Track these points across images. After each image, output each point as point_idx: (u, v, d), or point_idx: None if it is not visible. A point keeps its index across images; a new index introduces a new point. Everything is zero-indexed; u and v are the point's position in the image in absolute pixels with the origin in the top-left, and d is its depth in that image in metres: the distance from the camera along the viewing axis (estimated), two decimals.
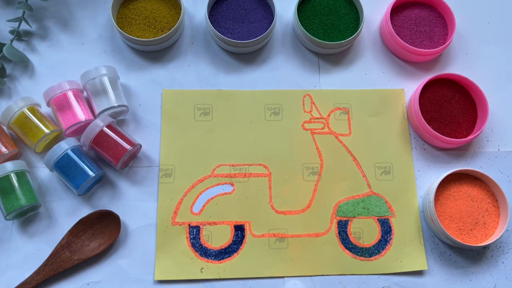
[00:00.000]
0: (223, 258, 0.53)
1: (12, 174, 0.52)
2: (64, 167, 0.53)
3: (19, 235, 0.54)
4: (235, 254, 0.53)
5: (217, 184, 0.56)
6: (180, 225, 0.54)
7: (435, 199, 0.55)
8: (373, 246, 0.54)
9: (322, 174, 0.57)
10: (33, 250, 0.53)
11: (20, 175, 0.53)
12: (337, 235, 0.55)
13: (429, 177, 0.58)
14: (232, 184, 0.56)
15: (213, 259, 0.53)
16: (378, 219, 0.55)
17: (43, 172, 0.56)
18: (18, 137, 0.56)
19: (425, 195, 0.57)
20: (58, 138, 0.57)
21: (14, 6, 0.63)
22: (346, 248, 0.54)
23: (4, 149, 0.54)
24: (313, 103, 0.60)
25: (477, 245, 0.53)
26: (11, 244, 0.53)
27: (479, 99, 0.59)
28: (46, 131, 0.54)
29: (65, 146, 0.53)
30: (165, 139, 0.57)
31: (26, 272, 0.52)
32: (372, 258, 0.54)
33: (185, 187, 0.55)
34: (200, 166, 0.56)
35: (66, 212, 0.55)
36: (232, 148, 0.57)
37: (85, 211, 0.54)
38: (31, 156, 0.57)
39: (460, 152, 0.60)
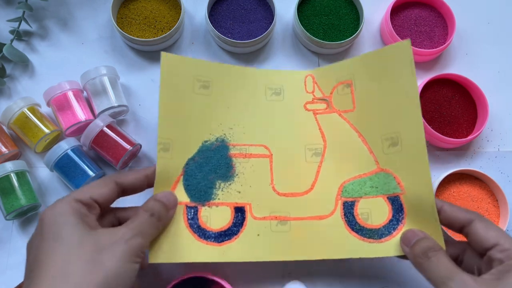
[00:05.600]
0: (223, 241, 0.49)
1: (12, 174, 0.52)
2: (64, 167, 0.53)
3: (19, 235, 0.54)
4: (235, 236, 0.50)
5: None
6: (177, 204, 0.49)
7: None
8: (383, 227, 0.49)
9: (325, 155, 0.54)
10: None
11: (20, 175, 0.53)
12: (343, 216, 0.51)
13: None
14: (232, 164, 0.52)
15: (213, 241, 0.49)
16: (388, 197, 0.50)
17: (43, 172, 0.56)
18: (18, 137, 0.56)
19: None
20: (58, 138, 0.58)
21: (14, 6, 0.63)
22: (353, 230, 0.50)
23: (4, 149, 0.54)
24: (316, 83, 0.56)
25: None
26: (11, 244, 0.53)
27: (479, 99, 0.59)
28: (46, 131, 0.54)
29: (65, 146, 0.53)
30: (163, 109, 0.51)
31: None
32: (383, 239, 0.49)
33: (182, 164, 0.51)
34: (198, 143, 0.52)
35: None
36: (232, 127, 0.54)
37: None
38: (31, 156, 0.57)
39: (460, 152, 0.60)
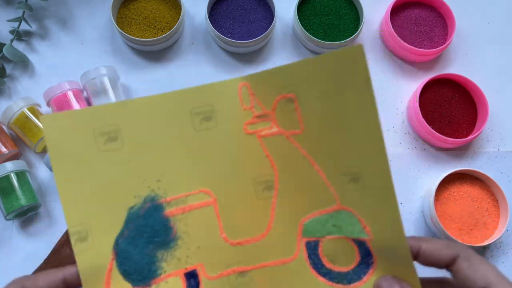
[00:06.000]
0: None
1: (12, 174, 0.52)
2: None
3: (19, 235, 0.54)
4: None
5: None
6: None
7: (435, 199, 0.55)
8: (352, 270, 0.43)
9: (278, 187, 0.44)
10: (33, 250, 0.53)
11: (20, 175, 0.53)
12: (307, 259, 0.43)
13: (429, 177, 0.58)
14: (171, 225, 0.43)
15: None
16: (353, 240, 0.43)
17: (43, 172, 0.56)
18: (18, 137, 0.56)
19: (425, 195, 0.57)
20: None
21: (14, 6, 0.63)
22: (320, 273, 0.43)
23: (4, 149, 0.54)
24: (253, 95, 0.44)
25: (477, 245, 0.53)
26: (11, 244, 0.53)
27: (479, 99, 0.59)
28: None
29: None
30: (64, 190, 0.41)
31: (26, 272, 0.52)
32: (352, 285, 0.42)
33: (110, 247, 0.42)
34: (123, 213, 0.42)
35: None
36: (160, 178, 0.44)
37: None
38: (31, 156, 0.57)
39: (460, 152, 0.60)
